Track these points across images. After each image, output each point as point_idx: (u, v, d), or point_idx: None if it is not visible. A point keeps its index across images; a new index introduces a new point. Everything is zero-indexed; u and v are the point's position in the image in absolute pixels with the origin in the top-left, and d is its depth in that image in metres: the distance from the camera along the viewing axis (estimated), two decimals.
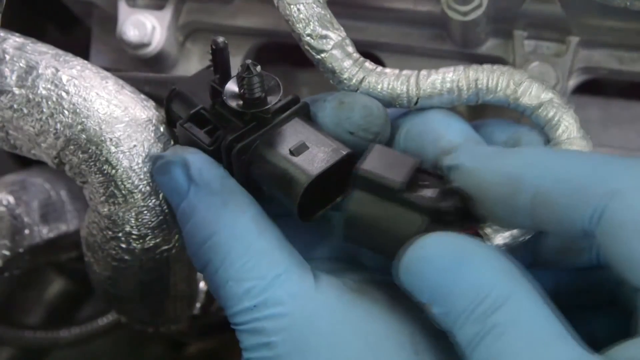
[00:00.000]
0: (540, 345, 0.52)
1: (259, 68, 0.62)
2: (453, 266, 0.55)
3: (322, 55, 0.67)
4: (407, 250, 0.56)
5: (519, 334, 0.52)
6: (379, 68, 0.67)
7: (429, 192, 0.59)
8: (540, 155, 0.58)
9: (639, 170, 0.55)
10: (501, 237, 0.65)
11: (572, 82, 0.85)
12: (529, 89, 0.66)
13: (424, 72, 0.66)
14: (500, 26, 0.83)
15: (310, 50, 0.67)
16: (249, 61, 0.62)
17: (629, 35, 0.81)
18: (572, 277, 0.65)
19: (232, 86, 0.64)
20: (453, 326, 0.54)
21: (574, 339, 0.53)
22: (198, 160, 0.63)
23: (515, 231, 0.65)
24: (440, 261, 0.55)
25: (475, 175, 0.58)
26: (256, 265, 0.60)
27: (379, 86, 0.66)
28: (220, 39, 0.63)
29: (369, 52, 0.87)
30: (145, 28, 0.87)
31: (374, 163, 0.60)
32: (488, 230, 0.65)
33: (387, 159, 0.61)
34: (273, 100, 0.63)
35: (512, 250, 0.64)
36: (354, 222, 0.61)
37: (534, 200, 0.56)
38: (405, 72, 0.67)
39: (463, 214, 0.59)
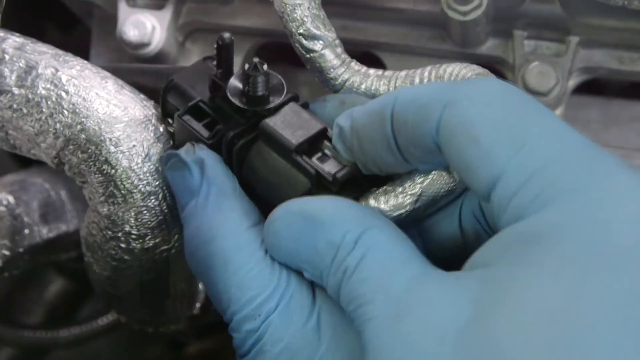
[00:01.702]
0: (387, 269, 0.54)
1: (265, 67, 0.62)
2: (302, 233, 0.57)
3: (312, 54, 0.68)
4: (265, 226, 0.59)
5: (368, 266, 0.55)
6: (364, 69, 0.68)
7: (324, 159, 0.61)
8: (400, 89, 0.60)
9: (478, 83, 0.57)
10: None
11: (572, 82, 0.85)
12: None
13: (402, 74, 0.67)
14: (500, 26, 0.83)
15: (301, 49, 0.68)
16: (256, 59, 0.62)
17: (629, 35, 0.81)
18: None
19: (235, 82, 0.64)
20: (323, 283, 0.57)
21: (422, 261, 0.55)
22: (213, 161, 0.63)
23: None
24: (290, 232, 0.58)
25: (352, 127, 0.60)
26: (260, 273, 0.59)
27: (362, 86, 0.67)
28: (227, 35, 0.63)
29: (369, 52, 0.87)
30: (145, 28, 0.87)
31: (280, 120, 0.62)
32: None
33: (295, 120, 0.62)
34: (275, 100, 0.64)
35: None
36: (251, 171, 0.63)
37: (394, 127, 0.58)
38: (387, 73, 0.67)
39: (353, 184, 0.61)
